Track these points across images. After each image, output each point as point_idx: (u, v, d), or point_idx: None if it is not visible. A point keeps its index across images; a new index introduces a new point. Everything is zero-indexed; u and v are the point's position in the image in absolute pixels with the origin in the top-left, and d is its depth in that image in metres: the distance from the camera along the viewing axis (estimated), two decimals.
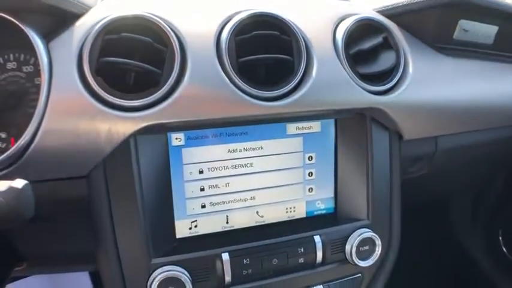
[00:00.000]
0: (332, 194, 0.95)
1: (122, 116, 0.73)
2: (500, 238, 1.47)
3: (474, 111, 1.03)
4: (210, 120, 0.78)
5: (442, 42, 1.01)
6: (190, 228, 0.86)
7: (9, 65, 0.78)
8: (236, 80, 0.77)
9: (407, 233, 1.00)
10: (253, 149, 0.86)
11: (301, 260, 0.87)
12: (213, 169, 0.85)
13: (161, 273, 0.78)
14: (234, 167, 0.86)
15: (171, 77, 0.75)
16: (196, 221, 0.86)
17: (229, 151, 0.85)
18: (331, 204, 0.95)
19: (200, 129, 0.82)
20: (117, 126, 0.73)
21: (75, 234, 0.87)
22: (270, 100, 0.79)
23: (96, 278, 1.50)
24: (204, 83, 0.76)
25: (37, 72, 0.75)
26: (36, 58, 0.72)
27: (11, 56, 0.78)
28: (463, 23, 1.01)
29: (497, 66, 1.10)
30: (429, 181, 1.10)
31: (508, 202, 1.46)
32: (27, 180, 0.65)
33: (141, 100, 0.73)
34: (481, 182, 1.44)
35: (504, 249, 1.46)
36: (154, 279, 0.78)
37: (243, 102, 0.77)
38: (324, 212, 0.95)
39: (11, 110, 0.77)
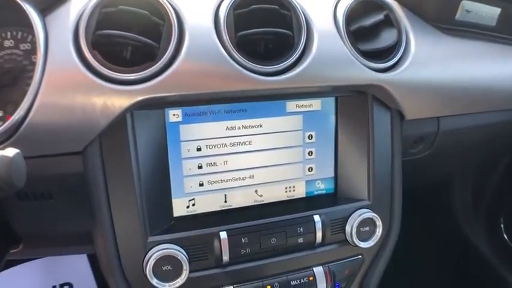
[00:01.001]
0: (332, 174, 0.93)
1: (117, 89, 0.71)
2: (502, 225, 1.46)
3: (476, 93, 1.01)
4: (208, 95, 0.76)
5: (444, 22, 0.99)
6: (188, 207, 0.84)
7: (7, 43, 0.76)
8: (235, 55, 0.75)
9: (408, 220, 0.98)
10: (252, 126, 0.85)
11: (301, 240, 0.85)
12: (211, 147, 0.83)
13: (158, 251, 0.76)
14: (233, 144, 0.84)
15: (168, 51, 0.73)
16: (194, 199, 0.84)
17: (227, 128, 0.84)
18: (331, 185, 0.94)
19: (198, 105, 0.81)
20: (112, 100, 0.71)
21: (71, 213, 0.86)
22: (269, 75, 0.77)
23: (94, 262, 1.49)
24: (202, 56, 0.74)
25: (34, 50, 0.74)
26: (34, 36, 0.70)
27: (8, 34, 0.76)
28: (466, 4, 0.99)
29: (501, 48, 1.08)
30: (430, 163, 1.09)
31: (509, 189, 1.44)
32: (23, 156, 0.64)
33: (137, 74, 0.72)
34: (483, 166, 1.43)
35: (505, 236, 1.45)
36: (150, 257, 0.76)
37: (242, 77, 0.75)
38: (323, 192, 0.93)
39: (8, 88, 0.75)
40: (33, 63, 0.75)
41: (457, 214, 1.55)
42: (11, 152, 0.59)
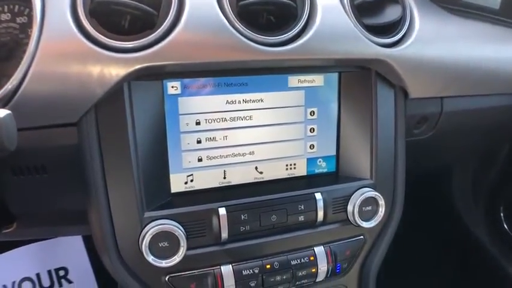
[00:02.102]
0: (334, 152, 0.91)
1: (115, 57, 0.69)
2: (502, 215, 1.44)
3: (480, 75, 0.99)
4: (208, 65, 0.73)
5: (449, 2, 0.98)
6: (186, 183, 0.82)
7: (3, 17, 0.74)
8: (236, 24, 0.73)
9: (408, 210, 0.96)
10: (253, 101, 0.83)
11: (301, 218, 0.83)
12: (210, 121, 0.81)
13: (154, 227, 0.74)
14: (233, 119, 0.82)
15: (168, 19, 0.71)
16: (192, 175, 0.82)
17: (227, 102, 0.81)
18: (333, 163, 0.92)
19: (197, 77, 0.78)
20: (109, 68, 0.68)
21: (66, 190, 0.83)
22: (271, 46, 0.75)
23: (89, 246, 1.47)
24: (202, 25, 0.72)
25: (31, 23, 0.72)
26: (31, 9, 0.68)
27: (5, 7, 0.74)
28: None
29: (504, 32, 1.06)
30: (433, 146, 1.07)
31: (509, 179, 1.43)
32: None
33: (135, 42, 0.69)
34: (483, 155, 1.41)
35: (505, 225, 1.43)
36: (146, 233, 0.74)
37: (243, 47, 0.73)
38: (325, 170, 0.92)
39: (3, 61, 0.73)
40: (29, 37, 0.73)
41: (457, 204, 1.54)
42: (1, 113, 0.56)
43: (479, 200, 1.51)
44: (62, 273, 1.47)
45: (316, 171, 0.91)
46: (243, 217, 0.79)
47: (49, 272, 1.46)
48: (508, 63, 1.03)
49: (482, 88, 1.02)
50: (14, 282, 1.44)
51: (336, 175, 0.92)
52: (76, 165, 0.75)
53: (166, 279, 0.80)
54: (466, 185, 1.52)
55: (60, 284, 1.46)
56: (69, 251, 1.47)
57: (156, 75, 0.75)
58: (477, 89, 1.01)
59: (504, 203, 1.45)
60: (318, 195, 0.84)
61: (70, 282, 1.47)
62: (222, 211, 0.78)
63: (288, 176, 0.89)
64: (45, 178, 0.77)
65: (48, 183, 0.79)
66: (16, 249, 1.44)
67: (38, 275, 1.45)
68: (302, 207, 0.83)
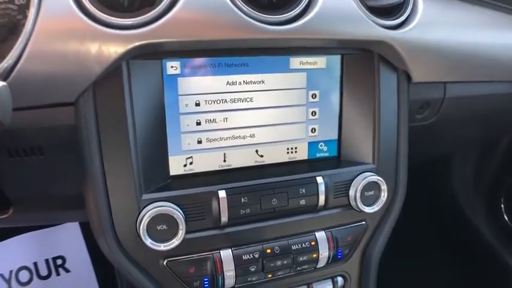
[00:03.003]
0: (336, 137, 0.90)
1: (113, 34, 0.67)
2: (502, 206, 1.43)
3: (483, 61, 0.98)
4: (208, 43, 0.72)
5: None
6: (185, 166, 0.80)
7: None
8: (238, 2, 0.71)
9: (408, 200, 0.95)
10: (254, 82, 0.81)
11: (303, 202, 0.82)
12: (210, 102, 0.79)
13: (152, 209, 0.73)
14: (233, 100, 0.80)
15: None
16: (191, 157, 0.80)
17: (228, 83, 0.80)
18: (334, 148, 0.91)
19: (197, 56, 0.76)
20: (108, 45, 0.67)
21: (62, 172, 0.82)
22: (273, 25, 0.73)
23: (87, 235, 1.45)
24: (203, 3, 0.70)
25: (29, 4, 0.70)
26: None
27: None
28: None
29: (508, 18, 1.06)
30: (434, 133, 1.06)
31: (510, 170, 1.41)
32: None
33: (134, 19, 0.68)
34: (486, 141, 1.41)
35: (505, 216, 1.42)
36: (144, 215, 0.72)
37: (244, 25, 0.72)
38: (326, 155, 0.90)
39: (1, 43, 0.71)
40: (27, 18, 0.72)
41: (457, 194, 1.54)
42: None
43: (480, 191, 1.50)
44: (59, 262, 1.45)
45: (318, 155, 0.89)
46: (243, 200, 0.78)
47: (46, 261, 1.45)
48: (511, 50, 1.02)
49: (485, 74, 1.01)
50: (11, 271, 1.43)
51: (338, 159, 0.90)
52: (73, 146, 0.73)
53: (165, 263, 0.78)
54: (467, 176, 1.52)
55: (58, 273, 1.45)
56: (67, 239, 1.46)
57: (155, 54, 0.73)
58: (480, 75, 1.00)
59: (505, 194, 1.45)
60: (320, 179, 0.83)
61: (68, 271, 1.46)
62: (222, 194, 0.77)
63: (289, 160, 0.87)
64: (42, 160, 0.76)
65: (44, 165, 0.78)
66: (13, 238, 1.42)
67: (35, 263, 1.44)
68: (303, 191, 0.81)
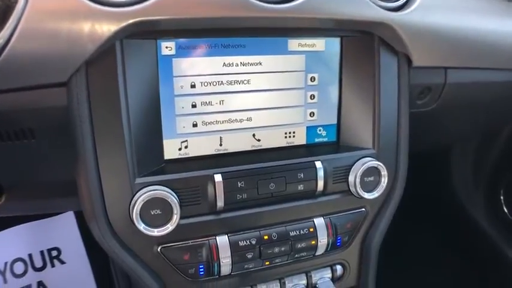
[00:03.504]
0: (335, 121, 0.88)
1: (106, 11, 0.65)
2: (502, 198, 1.41)
3: (485, 47, 0.97)
4: (203, 21, 0.70)
5: None
6: (180, 149, 0.78)
7: None
8: None
9: (407, 192, 0.93)
10: (251, 64, 0.79)
11: (301, 187, 0.80)
12: (206, 84, 0.77)
13: (145, 193, 0.70)
14: (230, 83, 0.78)
15: None
16: (186, 141, 0.78)
17: (224, 65, 0.77)
18: (333, 133, 0.88)
19: (192, 36, 0.74)
20: (101, 23, 0.65)
21: (55, 157, 0.80)
22: (271, 3, 0.71)
23: (82, 226, 1.43)
24: None
25: None
26: None
27: None
28: None
29: (509, 5, 1.05)
30: (435, 121, 1.05)
31: (509, 162, 1.41)
32: (2, 88, 0.60)
33: None
34: (486, 132, 1.39)
35: (505, 209, 1.41)
36: (137, 200, 0.70)
37: (241, 3, 0.70)
38: (325, 140, 0.88)
39: None
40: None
41: (456, 187, 1.52)
42: None
43: (480, 183, 1.49)
44: (54, 253, 1.43)
45: (316, 140, 0.87)
46: (239, 184, 0.76)
47: (41, 252, 1.42)
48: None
49: (487, 61, 0.99)
50: (6, 263, 1.40)
51: (337, 145, 0.88)
52: (65, 129, 0.71)
53: (159, 249, 0.76)
54: (466, 168, 1.50)
55: (53, 265, 1.42)
56: (62, 231, 1.43)
57: (149, 33, 0.71)
58: (481, 62, 0.98)
59: (504, 187, 1.43)
60: (318, 164, 0.81)
61: (63, 262, 1.43)
62: (218, 178, 0.74)
63: (287, 145, 0.85)
64: (34, 143, 0.74)
65: (36, 149, 0.76)
66: (8, 229, 1.40)
67: (30, 255, 1.41)
68: (301, 175, 0.79)
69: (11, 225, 1.40)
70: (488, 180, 1.48)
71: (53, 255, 1.44)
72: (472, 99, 1.06)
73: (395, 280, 1.34)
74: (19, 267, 1.41)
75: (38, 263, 1.43)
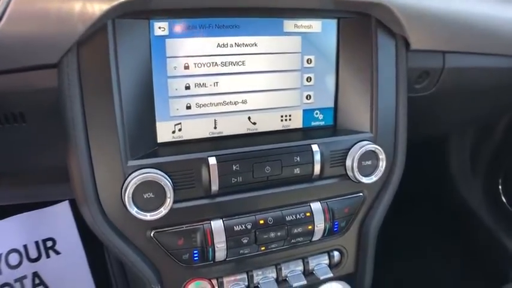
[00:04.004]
0: (332, 104, 0.86)
1: None
2: (500, 187, 1.40)
3: (483, 32, 0.96)
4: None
5: None
6: (173, 132, 0.77)
7: None
8: None
9: (404, 179, 0.91)
10: (246, 45, 0.77)
11: (297, 171, 0.78)
12: (200, 65, 0.75)
13: (138, 176, 0.68)
14: (224, 64, 0.76)
15: None
16: (180, 124, 0.77)
17: (218, 45, 0.76)
18: (330, 116, 0.87)
19: (186, 16, 0.72)
20: (92, 2, 0.63)
21: (46, 141, 0.78)
22: None
23: (78, 217, 1.42)
24: None
25: None
26: None
27: None
28: None
29: None
30: (433, 107, 1.04)
31: (508, 150, 1.39)
32: None
33: None
34: (485, 120, 1.37)
35: (503, 198, 1.39)
36: (129, 183, 0.68)
37: None
38: (322, 123, 0.86)
39: None
40: None
41: (455, 175, 1.51)
42: None
43: (478, 172, 1.48)
44: (49, 244, 1.42)
45: (313, 123, 0.85)
46: (234, 168, 0.74)
47: (36, 243, 1.41)
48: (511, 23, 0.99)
49: (485, 46, 0.98)
50: (0, 255, 1.39)
51: (334, 128, 0.87)
52: (56, 112, 0.69)
53: (152, 234, 0.75)
54: (465, 156, 1.49)
55: (48, 255, 1.41)
56: (57, 221, 1.42)
57: (142, 13, 0.69)
58: (480, 47, 0.97)
59: (503, 176, 1.42)
60: (315, 147, 0.79)
61: (58, 253, 1.42)
62: (212, 161, 0.73)
63: (283, 128, 0.84)
64: (24, 128, 0.72)
65: (27, 133, 0.75)
66: (2, 220, 1.38)
67: (25, 246, 1.40)
68: (298, 159, 0.78)
69: (5, 216, 1.38)
70: (486, 169, 1.47)
71: (48, 246, 1.43)
72: (471, 85, 1.05)
73: (393, 268, 1.32)
74: (14, 259, 1.40)
75: (33, 254, 1.42)
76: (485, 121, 1.39)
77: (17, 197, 1.13)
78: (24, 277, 1.37)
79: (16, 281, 1.37)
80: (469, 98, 1.12)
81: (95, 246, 1.39)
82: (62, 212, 1.41)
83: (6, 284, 1.32)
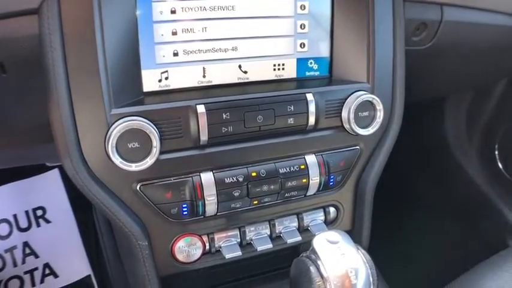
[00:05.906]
0: (327, 54, 0.82)
1: None
2: (496, 153, 1.37)
3: None
4: None
5: None
6: (160, 81, 0.73)
7: None
8: None
9: (399, 144, 0.89)
10: None
11: (291, 121, 0.75)
12: (187, 9, 0.71)
13: (122, 123, 0.65)
14: (213, 8, 0.72)
15: None
16: (167, 71, 0.73)
17: None
18: (326, 66, 0.83)
19: None
20: None
21: (27, 93, 0.74)
22: None
23: (68, 184, 1.38)
24: None
25: None
26: None
27: None
28: None
29: None
30: (432, 65, 1.02)
31: (504, 116, 1.37)
32: None
33: None
34: (481, 84, 1.34)
35: (499, 164, 1.36)
36: (113, 131, 0.65)
37: None
38: (317, 74, 0.82)
39: None
40: None
41: (450, 141, 1.48)
42: None
43: (474, 138, 1.45)
44: (39, 213, 1.39)
45: (307, 73, 0.82)
46: (224, 116, 0.70)
47: (26, 212, 1.38)
48: None
49: (485, 1, 0.95)
50: None
51: (329, 79, 0.83)
52: (37, 61, 0.66)
53: (138, 187, 0.71)
54: (460, 121, 1.47)
55: (38, 224, 1.38)
56: (47, 189, 1.39)
57: None
58: (479, 1, 0.94)
59: (499, 142, 1.39)
60: (310, 96, 0.75)
61: (48, 221, 1.39)
62: (201, 109, 0.69)
63: (276, 78, 0.80)
64: (4, 79, 0.69)
65: (7, 85, 0.71)
66: None
67: (15, 216, 1.37)
68: (291, 108, 0.74)
69: None
70: (482, 134, 1.45)
71: (38, 215, 1.40)
72: (469, 42, 1.02)
73: (389, 228, 1.30)
74: (4, 229, 1.38)
75: (23, 223, 1.39)
76: (482, 83, 1.35)
77: (4, 161, 1.09)
78: (15, 247, 1.36)
79: (6, 251, 1.34)
80: (466, 57, 1.09)
81: (86, 214, 1.36)
82: (51, 180, 1.38)
83: None
